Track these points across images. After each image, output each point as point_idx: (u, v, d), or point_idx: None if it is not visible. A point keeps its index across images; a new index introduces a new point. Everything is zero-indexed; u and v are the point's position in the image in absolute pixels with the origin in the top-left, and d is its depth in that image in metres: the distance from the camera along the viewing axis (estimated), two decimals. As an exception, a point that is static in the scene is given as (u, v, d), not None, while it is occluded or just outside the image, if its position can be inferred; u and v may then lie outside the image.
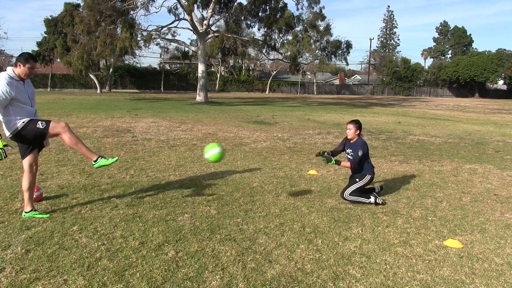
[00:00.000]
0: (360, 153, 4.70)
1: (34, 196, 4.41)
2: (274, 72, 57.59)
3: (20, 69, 3.87)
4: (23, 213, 3.98)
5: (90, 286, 2.71)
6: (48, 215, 4.00)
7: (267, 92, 56.46)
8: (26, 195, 4.00)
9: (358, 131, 4.83)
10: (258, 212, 4.34)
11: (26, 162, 4.01)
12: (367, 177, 4.75)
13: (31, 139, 3.93)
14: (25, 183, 3.99)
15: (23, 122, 3.85)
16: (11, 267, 2.93)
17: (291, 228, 3.88)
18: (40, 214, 4.00)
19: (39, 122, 3.90)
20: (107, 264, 3.02)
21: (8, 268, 2.91)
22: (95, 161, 4.02)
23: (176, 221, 3.98)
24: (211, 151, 4.26)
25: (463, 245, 3.58)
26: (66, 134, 3.93)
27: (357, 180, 4.74)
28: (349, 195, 4.66)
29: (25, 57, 3.87)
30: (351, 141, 4.87)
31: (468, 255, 3.39)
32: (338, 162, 4.77)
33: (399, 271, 3.07)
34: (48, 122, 3.95)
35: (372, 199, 4.66)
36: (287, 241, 3.57)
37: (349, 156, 4.88)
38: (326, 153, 4.84)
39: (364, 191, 4.84)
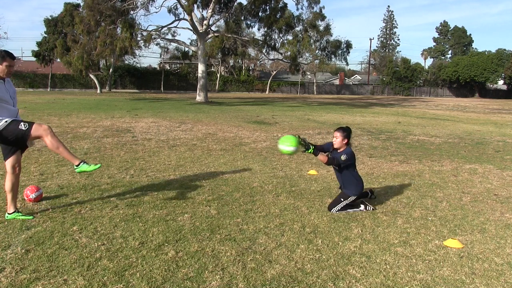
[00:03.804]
0: (343, 158, 4.25)
1: (35, 196, 4.42)
2: (274, 72, 57.57)
3: None
4: (6, 215, 3.93)
5: (90, 286, 2.71)
6: (32, 217, 3.94)
7: (267, 92, 56.46)
8: (8, 196, 3.95)
9: (346, 140, 4.36)
10: (258, 212, 4.34)
11: (8, 163, 3.92)
12: (351, 198, 4.40)
13: (13, 140, 3.79)
14: (7, 184, 3.93)
15: (6, 122, 3.73)
16: (11, 267, 2.93)
17: (291, 228, 3.88)
18: (23, 215, 3.95)
19: (22, 123, 3.77)
20: (107, 264, 3.02)
21: (8, 268, 2.91)
22: (77, 166, 3.89)
23: (176, 221, 3.98)
24: (287, 147, 4.14)
25: (463, 245, 3.58)
26: (48, 137, 3.80)
27: (342, 199, 4.39)
28: (337, 211, 4.38)
29: (1, 55, 3.74)
30: (338, 151, 4.43)
31: (468, 255, 3.39)
32: (315, 153, 4.21)
33: (399, 271, 3.07)
34: (31, 124, 3.82)
35: (362, 207, 4.48)
36: (287, 241, 3.57)
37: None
38: (304, 140, 4.25)
39: (352, 204, 4.50)
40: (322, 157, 4.26)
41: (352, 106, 27.30)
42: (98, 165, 3.96)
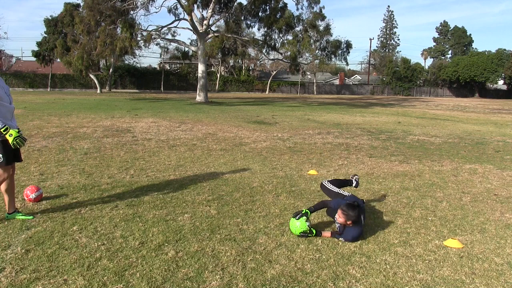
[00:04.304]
0: (350, 238, 3.61)
1: (35, 196, 4.42)
2: (274, 72, 57.56)
3: None
4: (6, 215, 3.93)
5: (90, 286, 2.71)
6: (32, 217, 3.94)
7: (267, 92, 56.45)
8: (5, 197, 3.95)
9: (350, 223, 3.63)
10: (258, 212, 4.34)
11: None
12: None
13: None
14: (2, 186, 3.93)
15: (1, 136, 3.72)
16: (11, 267, 2.93)
17: (291, 228, 3.87)
18: (23, 215, 3.95)
19: (1, 154, 3.73)
20: (107, 264, 3.02)
21: (8, 268, 2.91)
22: (9, 213, 3.91)
23: (176, 221, 3.98)
24: (296, 226, 3.67)
25: (463, 245, 3.58)
26: (4, 181, 3.83)
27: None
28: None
29: None
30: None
31: (468, 255, 3.39)
32: (318, 234, 3.69)
33: (399, 271, 3.07)
34: (7, 162, 3.77)
35: (354, 183, 4.65)
36: (287, 241, 3.57)
37: (337, 224, 3.85)
38: (304, 217, 3.69)
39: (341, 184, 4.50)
40: (327, 233, 3.73)
41: (352, 106, 27.30)
42: (31, 217, 3.92)
